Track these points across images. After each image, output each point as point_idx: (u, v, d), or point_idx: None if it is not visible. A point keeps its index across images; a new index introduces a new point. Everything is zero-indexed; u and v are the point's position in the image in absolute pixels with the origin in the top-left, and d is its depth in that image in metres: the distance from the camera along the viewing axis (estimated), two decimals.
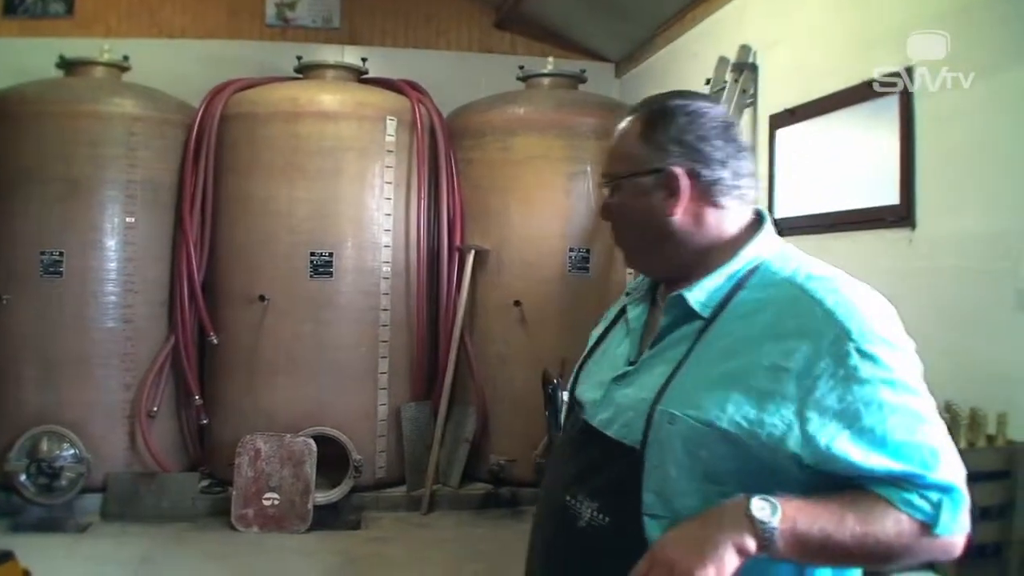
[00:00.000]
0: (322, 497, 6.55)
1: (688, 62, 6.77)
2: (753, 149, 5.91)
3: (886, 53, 4.51)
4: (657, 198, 1.80)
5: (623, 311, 2.02)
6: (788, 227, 5.50)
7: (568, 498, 1.80)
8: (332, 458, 6.63)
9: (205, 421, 7.00)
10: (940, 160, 4.27)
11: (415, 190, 7.00)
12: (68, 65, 6.98)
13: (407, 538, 6.26)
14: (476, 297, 7.10)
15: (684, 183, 1.78)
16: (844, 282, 1.74)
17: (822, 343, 1.61)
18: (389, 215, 6.89)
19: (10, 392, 6.54)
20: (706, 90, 6.12)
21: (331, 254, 6.73)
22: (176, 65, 7.58)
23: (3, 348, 6.55)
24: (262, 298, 6.64)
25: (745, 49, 5.87)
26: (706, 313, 1.75)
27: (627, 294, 2.05)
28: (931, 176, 4.32)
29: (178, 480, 6.79)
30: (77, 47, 7.11)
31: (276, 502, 6.39)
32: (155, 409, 6.77)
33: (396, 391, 6.95)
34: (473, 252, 6.96)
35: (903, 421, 1.60)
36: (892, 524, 1.57)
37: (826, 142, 5.28)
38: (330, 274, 6.73)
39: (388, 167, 6.89)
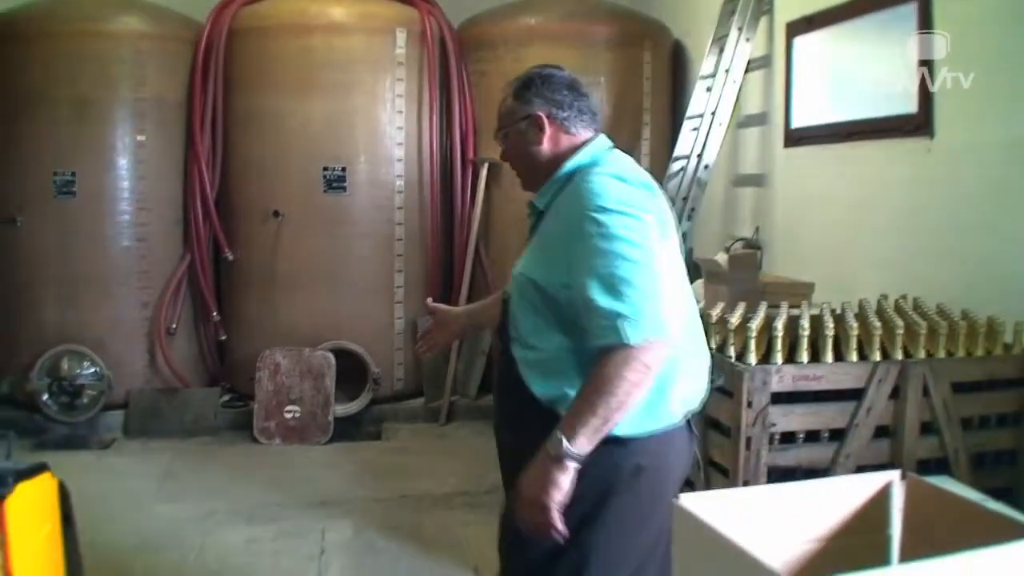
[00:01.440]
0: (342, 409, 6.65)
1: None
2: (769, 58, 5.90)
3: None
4: (531, 135, 2.59)
5: None
6: (805, 136, 5.49)
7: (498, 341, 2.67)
8: (351, 371, 6.71)
9: (223, 337, 7.07)
10: (959, 67, 4.23)
11: (427, 103, 6.94)
12: None
13: (426, 448, 6.36)
14: (490, 210, 7.09)
15: (545, 121, 2.58)
16: (603, 173, 2.42)
17: (575, 215, 2.35)
18: (401, 128, 6.85)
19: (29, 313, 6.60)
20: None
21: (344, 169, 6.71)
22: None
23: (20, 270, 6.58)
24: (276, 214, 6.64)
25: None
26: (542, 207, 2.58)
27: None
28: (950, 84, 4.28)
29: (199, 395, 6.89)
30: None
31: (297, 415, 6.49)
32: (174, 326, 6.83)
33: (412, 304, 6.97)
34: (487, 165, 6.94)
35: (603, 262, 2.26)
36: (608, 369, 2.21)
37: (844, 50, 5.23)
38: (344, 188, 6.72)
39: (399, 80, 6.82)
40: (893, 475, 1.91)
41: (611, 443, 2.29)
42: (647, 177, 2.51)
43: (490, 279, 7.02)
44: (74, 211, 6.58)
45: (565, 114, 2.58)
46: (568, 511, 2.24)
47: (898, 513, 1.89)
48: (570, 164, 2.53)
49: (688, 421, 2.53)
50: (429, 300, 3.47)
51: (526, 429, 2.38)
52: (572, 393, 2.30)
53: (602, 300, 2.24)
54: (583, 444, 2.21)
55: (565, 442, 2.20)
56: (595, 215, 2.30)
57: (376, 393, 6.74)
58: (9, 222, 6.48)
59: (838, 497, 1.87)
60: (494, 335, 2.83)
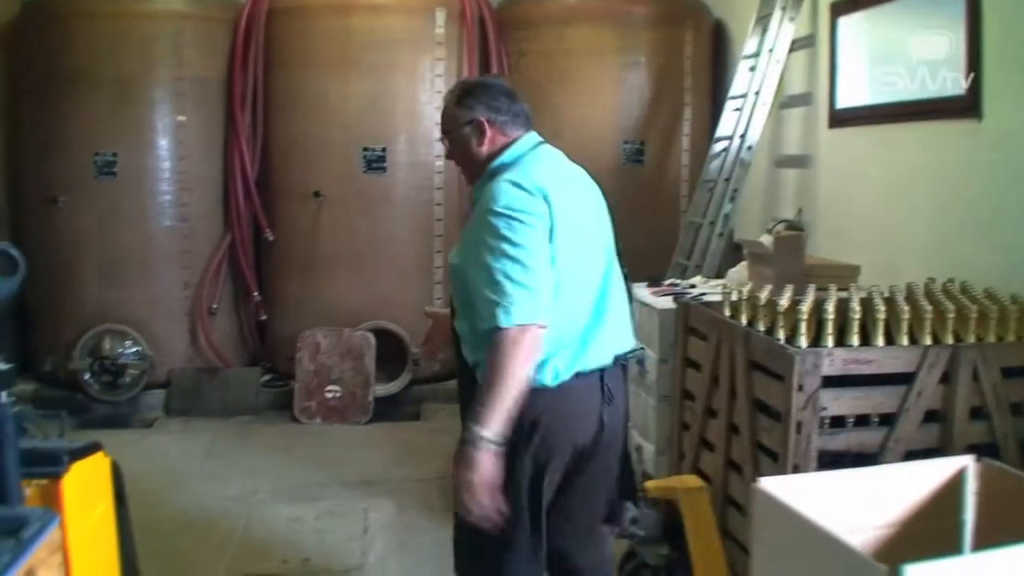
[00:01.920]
0: (382, 390, 6.68)
1: None
2: (813, 38, 5.83)
3: None
4: (474, 138, 2.89)
5: None
6: (850, 117, 5.42)
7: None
8: (391, 351, 6.72)
9: (264, 317, 7.10)
10: (1008, 48, 4.16)
11: (466, 79, 6.90)
12: None
13: None
14: None
15: (486, 125, 2.88)
16: (508, 178, 2.73)
17: (479, 213, 2.72)
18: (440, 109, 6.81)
19: (71, 293, 6.65)
20: None
21: (384, 149, 6.71)
22: None
23: (62, 250, 6.62)
24: (317, 194, 6.65)
25: None
26: (474, 200, 2.89)
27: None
28: (999, 65, 4.22)
29: (240, 375, 6.94)
30: None
31: (337, 395, 6.52)
32: (215, 306, 6.87)
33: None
34: None
35: (488, 258, 2.62)
36: (494, 353, 2.56)
37: (889, 30, 5.15)
38: (384, 169, 6.72)
39: (439, 60, 6.81)
40: (967, 460, 1.89)
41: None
42: (546, 181, 2.77)
43: None
44: (116, 191, 6.62)
45: (503, 119, 2.92)
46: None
47: (972, 498, 1.87)
48: (496, 161, 2.89)
49: (602, 386, 2.87)
50: (427, 307, 3.96)
51: (468, 394, 2.77)
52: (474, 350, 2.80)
53: (485, 290, 2.63)
54: (494, 427, 2.53)
55: (476, 428, 2.53)
56: (488, 217, 2.67)
57: (415, 374, 6.75)
58: (51, 202, 6.51)
59: (912, 482, 1.85)
60: None
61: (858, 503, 1.80)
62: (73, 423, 6.27)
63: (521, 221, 2.65)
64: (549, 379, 2.75)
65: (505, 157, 2.88)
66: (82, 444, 2.29)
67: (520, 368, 2.57)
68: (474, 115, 2.90)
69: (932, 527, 1.82)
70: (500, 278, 2.61)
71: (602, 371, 2.87)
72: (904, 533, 1.80)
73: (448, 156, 3.06)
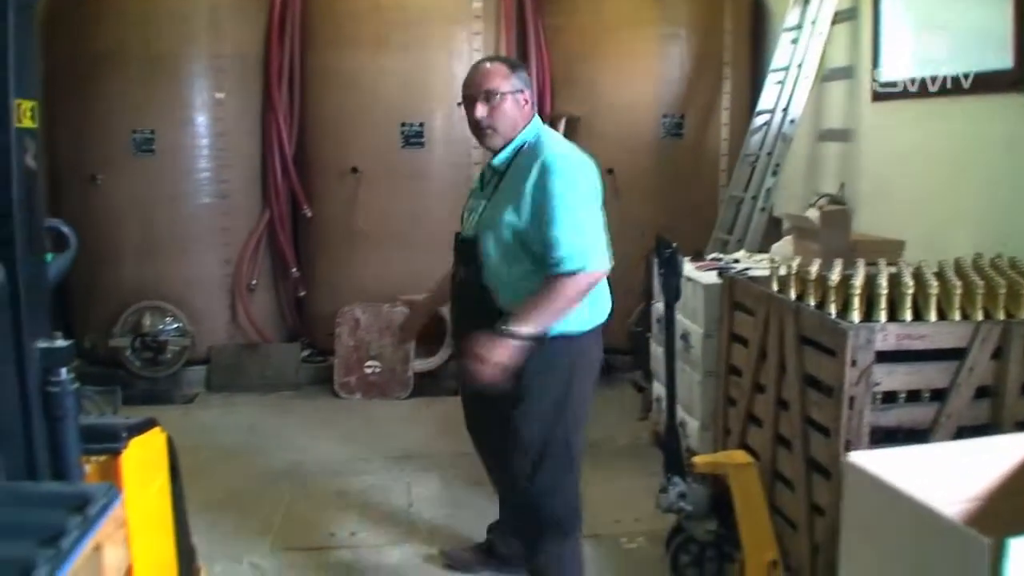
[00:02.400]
0: (421, 365, 6.68)
1: None
2: (855, 10, 5.75)
3: None
4: (517, 107, 3.30)
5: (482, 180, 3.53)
6: (894, 91, 5.35)
7: (455, 269, 3.47)
8: (429, 327, 6.71)
9: (303, 293, 7.12)
10: None
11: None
12: None
13: None
14: None
15: (527, 95, 3.34)
16: (556, 149, 3.23)
17: (540, 176, 3.12)
18: None
19: (110, 270, 6.65)
20: None
21: (421, 124, 6.69)
22: None
23: (101, 227, 6.61)
24: (354, 170, 6.65)
25: None
26: (502, 169, 3.32)
27: (482, 172, 3.55)
28: None
29: (280, 350, 6.97)
30: None
31: (377, 370, 6.54)
32: (254, 282, 6.90)
33: None
34: (564, 120, 6.87)
35: (561, 212, 3.08)
36: (555, 285, 3.09)
37: (934, 2, 5.08)
38: (421, 144, 6.71)
39: (476, 34, 6.78)
40: None
41: (559, 338, 3.20)
42: (582, 152, 3.34)
43: None
44: (154, 168, 6.63)
45: (530, 97, 3.37)
46: (536, 383, 3.22)
47: None
48: (522, 136, 3.31)
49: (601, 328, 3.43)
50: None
51: (524, 371, 3.16)
52: (516, 296, 3.20)
53: (559, 239, 3.08)
54: (523, 329, 3.06)
55: (512, 324, 3.06)
56: (556, 178, 3.10)
57: (454, 349, 6.75)
58: (89, 180, 6.53)
59: (1000, 455, 1.83)
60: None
61: (946, 477, 1.78)
62: (105, 399, 6.33)
63: (590, 183, 3.24)
64: (585, 322, 3.31)
65: (528, 134, 3.33)
66: (139, 420, 2.29)
67: (572, 306, 3.14)
68: (523, 88, 3.33)
69: (1020, 502, 1.80)
70: (571, 228, 3.09)
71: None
72: (991, 507, 1.78)
73: (477, 116, 3.31)
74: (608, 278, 3.32)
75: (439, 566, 4.08)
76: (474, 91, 3.33)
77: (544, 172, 3.11)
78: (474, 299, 3.31)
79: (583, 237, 3.10)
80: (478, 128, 3.34)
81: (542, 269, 3.14)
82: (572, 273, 3.07)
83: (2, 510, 1.69)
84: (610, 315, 3.47)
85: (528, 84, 3.37)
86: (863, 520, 1.76)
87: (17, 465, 1.93)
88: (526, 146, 3.28)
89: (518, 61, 3.50)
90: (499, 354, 3.05)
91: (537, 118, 3.40)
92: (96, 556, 1.66)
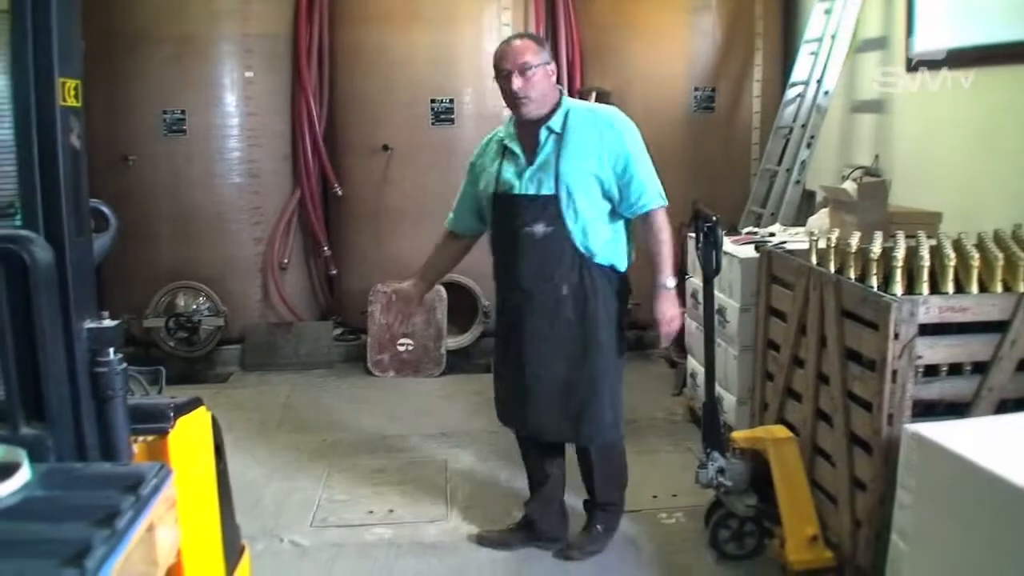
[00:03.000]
0: (453, 342, 6.70)
1: None
2: None
3: None
4: (548, 77, 3.62)
5: (502, 151, 3.78)
6: (929, 61, 5.27)
7: (524, 228, 3.67)
8: (461, 304, 6.72)
9: (334, 271, 7.13)
10: None
11: (533, 32, 6.84)
12: None
13: None
14: None
15: (553, 68, 3.66)
16: (614, 113, 3.73)
17: (610, 132, 3.62)
18: None
19: (143, 251, 6.65)
20: None
21: (452, 101, 6.67)
22: None
23: (133, 208, 6.59)
24: (385, 147, 6.64)
25: None
26: (559, 130, 3.63)
27: (501, 140, 3.79)
28: None
29: (313, 329, 6.99)
30: None
31: (410, 348, 6.54)
32: (286, 261, 6.92)
33: None
34: (594, 94, 6.82)
35: (640, 159, 3.64)
36: (660, 226, 3.73)
37: None
38: (451, 121, 6.69)
39: (505, 9, 6.75)
40: None
41: (623, 275, 3.79)
42: None
43: None
44: (185, 149, 6.65)
45: (555, 68, 3.72)
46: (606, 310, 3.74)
47: None
48: (566, 104, 3.68)
49: None
50: (390, 287, 4.80)
51: (597, 296, 3.70)
52: (620, 251, 3.76)
53: (647, 180, 3.66)
54: (672, 278, 3.73)
55: (668, 280, 3.72)
56: (625, 132, 3.64)
57: (486, 326, 6.75)
58: (121, 161, 6.55)
59: None
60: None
61: (1012, 448, 1.76)
62: (148, 379, 6.34)
63: (640, 134, 3.73)
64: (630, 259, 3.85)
65: (569, 103, 3.71)
66: (185, 399, 2.30)
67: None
68: (550, 60, 3.68)
69: None
70: (651, 171, 3.69)
71: None
72: None
73: (515, 87, 3.56)
74: (638, 253, 3.83)
75: (475, 543, 4.09)
76: (509, 65, 3.58)
77: (615, 129, 3.63)
78: (555, 250, 3.65)
79: (656, 179, 3.71)
80: (515, 99, 3.59)
81: (612, 213, 3.70)
82: (661, 207, 3.70)
83: (56, 491, 1.71)
84: (642, 289, 3.89)
85: (552, 59, 3.70)
86: (933, 492, 1.74)
87: (67, 446, 1.94)
88: (571, 112, 3.66)
89: (542, 38, 3.85)
90: (676, 306, 3.75)
91: (564, 93, 3.77)
92: (149, 536, 1.67)
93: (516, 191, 3.68)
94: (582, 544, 3.95)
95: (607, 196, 3.64)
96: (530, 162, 3.66)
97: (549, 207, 3.62)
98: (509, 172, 3.70)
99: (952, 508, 1.98)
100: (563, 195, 3.60)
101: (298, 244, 7.14)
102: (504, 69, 3.59)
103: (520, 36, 3.71)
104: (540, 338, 3.75)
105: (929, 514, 2.07)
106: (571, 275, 3.67)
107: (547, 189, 3.62)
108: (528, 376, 3.79)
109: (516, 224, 3.69)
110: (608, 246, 3.70)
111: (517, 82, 3.54)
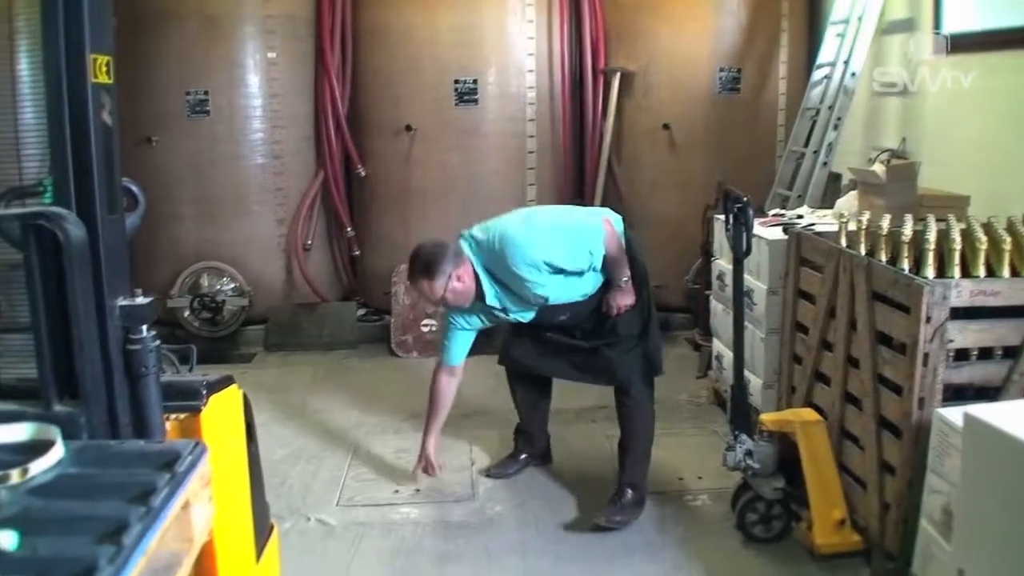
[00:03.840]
0: None
1: None
2: None
3: None
4: (454, 286, 3.90)
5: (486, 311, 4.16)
6: (957, 43, 5.21)
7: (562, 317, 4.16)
8: None
9: (357, 252, 7.14)
10: None
11: (557, 12, 6.82)
12: None
13: None
14: (623, 121, 6.97)
15: (456, 271, 3.92)
16: (501, 245, 3.94)
17: (512, 269, 3.91)
18: (532, 39, 6.74)
19: (167, 231, 6.68)
20: None
21: (475, 81, 6.64)
22: None
23: (157, 189, 6.60)
24: (409, 128, 6.62)
25: None
26: (499, 292, 4.02)
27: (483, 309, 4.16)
28: None
29: (336, 310, 7.00)
30: None
31: (434, 328, 6.53)
32: (309, 242, 6.92)
33: None
34: (618, 75, 6.80)
35: (557, 256, 3.87)
36: (607, 256, 3.95)
37: None
38: (475, 101, 6.66)
39: None
40: None
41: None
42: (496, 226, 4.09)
43: (623, 192, 6.94)
44: (208, 130, 6.65)
45: (461, 275, 3.95)
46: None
47: None
48: (481, 273, 3.98)
49: None
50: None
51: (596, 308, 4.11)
52: (598, 280, 4.08)
53: (576, 249, 3.90)
54: (627, 272, 4.03)
55: (623, 281, 4.02)
56: (514, 260, 3.86)
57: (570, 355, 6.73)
58: (145, 142, 6.55)
59: None
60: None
61: None
62: (179, 357, 6.36)
63: (527, 226, 4.01)
64: None
65: (476, 266, 3.98)
66: (217, 377, 2.30)
67: (620, 246, 4.03)
68: (448, 269, 3.86)
69: None
70: (575, 228, 4.02)
71: None
72: None
73: (449, 308, 4.17)
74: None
75: (501, 522, 4.10)
76: (431, 304, 4.40)
77: (512, 269, 3.84)
78: (585, 308, 4.12)
79: (582, 225, 3.99)
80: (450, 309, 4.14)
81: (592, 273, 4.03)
82: (605, 240, 3.91)
83: (90, 468, 1.71)
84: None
85: (450, 259, 3.87)
86: (986, 474, 1.72)
87: (100, 423, 1.95)
88: (485, 266, 3.94)
89: (430, 258, 3.87)
90: (630, 296, 4.06)
91: (466, 259, 3.94)
92: (184, 514, 1.67)
93: (528, 320, 4.15)
94: (610, 513, 4.03)
95: (569, 273, 3.94)
96: (509, 309, 4.09)
97: (555, 310, 4.08)
98: (513, 315, 4.12)
99: (1005, 490, 1.96)
100: (557, 299, 4.01)
101: (321, 225, 7.14)
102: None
103: (414, 279, 3.96)
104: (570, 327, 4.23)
105: (978, 497, 2.05)
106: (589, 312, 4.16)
107: (542, 304, 4.04)
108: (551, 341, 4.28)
109: (547, 321, 4.18)
110: (597, 280, 4.10)
111: (443, 309, 4.21)
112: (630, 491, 4.08)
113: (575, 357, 4.23)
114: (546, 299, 3.98)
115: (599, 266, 3.98)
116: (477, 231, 4.06)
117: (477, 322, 4.24)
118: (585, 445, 4.85)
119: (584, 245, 3.87)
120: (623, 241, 4.04)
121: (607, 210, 4.31)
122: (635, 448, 4.15)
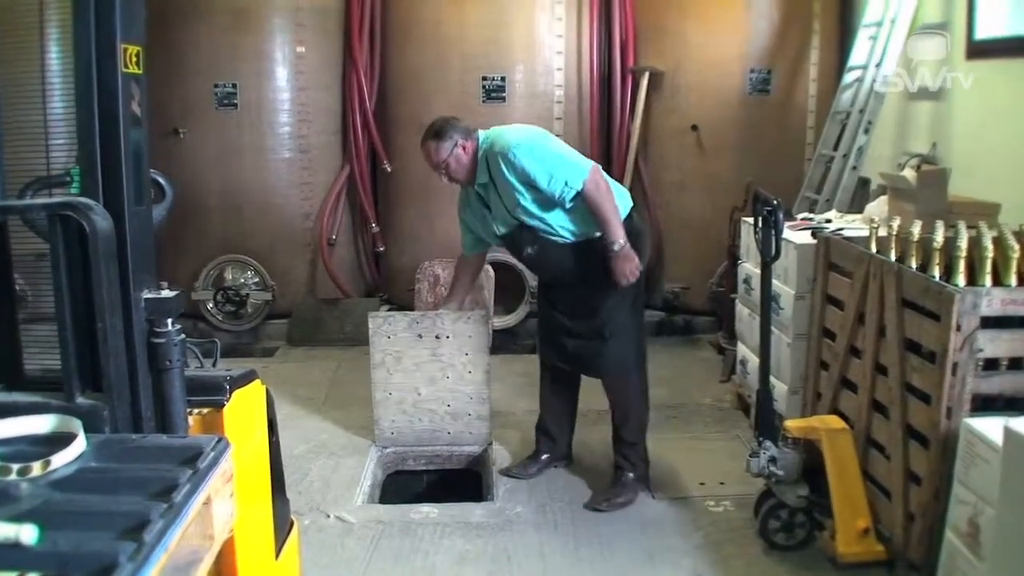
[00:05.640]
0: (499, 322, 6.66)
1: None
2: None
3: None
4: (459, 155, 4.18)
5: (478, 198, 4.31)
6: (990, 48, 5.15)
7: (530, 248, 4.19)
8: (508, 285, 6.69)
9: (382, 248, 7.13)
10: None
11: (587, 10, 6.79)
12: None
13: None
14: (650, 122, 6.93)
15: (462, 142, 4.17)
16: (499, 144, 4.11)
17: (497, 165, 4.08)
18: (561, 37, 6.72)
19: (193, 223, 6.69)
20: None
21: (503, 78, 6.63)
22: None
23: (183, 181, 6.60)
24: None
25: None
26: (485, 181, 4.16)
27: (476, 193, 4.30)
28: None
29: (360, 305, 6.98)
30: None
31: None
32: (334, 237, 6.91)
33: None
34: (647, 74, 6.76)
35: (537, 170, 3.98)
36: (587, 198, 3.98)
37: None
38: (503, 99, 6.65)
39: None
40: None
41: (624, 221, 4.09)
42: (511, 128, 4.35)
43: (649, 192, 6.90)
44: (235, 122, 6.67)
45: (464, 143, 4.23)
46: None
47: None
48: (483, 151, 4.17)
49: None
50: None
51: (584, 261, 4.12)
52: (577, 227, 4.10)
53: (555, 172, 3.95)
54: (618, 239, 3.98)
55: (616, 245, 3.98)
56: (503, 158, 4.01)
57: (533, 307, 6.71)
58: (172, 134, 6.57)
59: None
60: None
61: None
62: (203, 351, 6.37)
63: (530, 135, 4.19)
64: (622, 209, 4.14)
65: (482, 143, 4.21)
66: (241, 372, 2.29)
67: (609, 196, 4.03)
68: (456, 138, 4.16)
69: None
70: (555, 163, 3.99)
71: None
72: None
73: (444, 181, 4.30)
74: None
75: (521, 523, 4.08)
76: (431, 166, 4.24)
77: (498, 161, 4.02)
78: (554, 255, 4.16)
79: (567, 161, 4.02)
80: (449, 179, 4.26)
81: (564, 206, 4.06)
82: (585, 182, 3.95)
83: (112, 462, 1.69)
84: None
85: (461, 130, 4.17)
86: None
87: (123, 417, 1.93)
88: (484, 155, 4.14)
89: (443, 124, 4.19)
90: (630, 260, 4.01)
91: (475, 138, 4.20)
92: (206, 510, 1.65)
93: (490, 231, 4.33)
94: (611, 495, 4.23)
95: (551, 201, 4.04)
96: (491, 211, 4.25)
97: (525, 234, 4.15)
98: (484, 215, 4.30)
99: None
100: (528, 221, 4.10)
101: (346, 220, 7.14)
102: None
103: (424, 140, 4.20)
104: (561, 301, 4.35)
105: (1019, 513, 2.00)
106: (574, 263, 4.19)
107: (516, 223, 4.14)
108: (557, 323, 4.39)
109: (517, 253, 4.31)
110: (580, 229, 4.13)
111: (442, 177, 4.25)
112: (629, 473, 4.31)
113: (569, 342, 4.33)
114: (521, 215, 4.09)
115: (570, 202, 4.02)
116: (491, 129, 4.30)
117: (478, 225, 4.42)
118: (606, 448, 4.81)
119: (561, 174, 3.95)
120: (613, 196, 4.07)
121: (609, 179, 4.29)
122: (628, 428, 4.35)
